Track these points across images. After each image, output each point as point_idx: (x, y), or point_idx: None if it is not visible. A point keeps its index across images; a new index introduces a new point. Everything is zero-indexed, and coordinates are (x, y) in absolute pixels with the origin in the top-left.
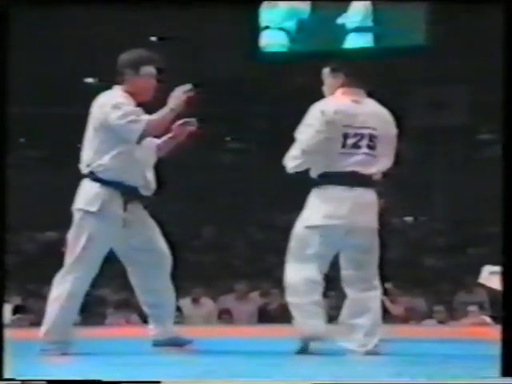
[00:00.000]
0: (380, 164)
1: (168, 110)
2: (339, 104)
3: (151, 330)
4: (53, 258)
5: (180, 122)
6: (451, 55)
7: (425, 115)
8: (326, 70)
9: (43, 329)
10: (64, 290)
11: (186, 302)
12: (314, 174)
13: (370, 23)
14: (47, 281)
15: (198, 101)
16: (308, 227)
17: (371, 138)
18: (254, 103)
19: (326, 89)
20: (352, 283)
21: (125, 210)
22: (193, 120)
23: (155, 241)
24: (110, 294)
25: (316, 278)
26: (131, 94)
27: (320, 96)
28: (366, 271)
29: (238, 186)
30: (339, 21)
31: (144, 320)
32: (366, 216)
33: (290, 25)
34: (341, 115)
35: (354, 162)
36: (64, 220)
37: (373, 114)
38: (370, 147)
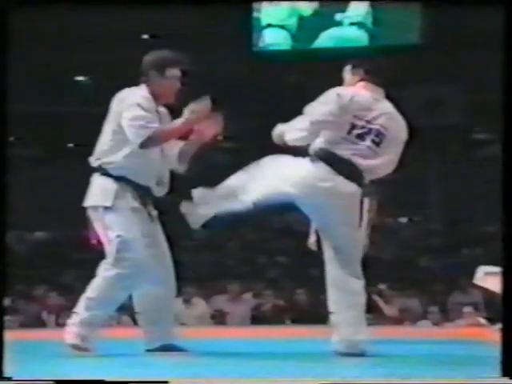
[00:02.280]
0: (379, 162)
1: (181, 122)
2: (357, 94)
3: (144, 336)
4: (42, 259)
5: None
6: (448, 54)
7: (420, 114)
8: (346, 67)
9: (75, 329)
10: (106, 287)
11: (177, 303)
12: (311, 146)
13: (367, 22)
14: (36, 282)
15: (215, 115)
16: (281, 191)
17: (378, 134)
18: (253, 102)
19: (345, 86)
20: (329, 280)
21: (144, 205)
22: (207, 99)
23: (163, 244)
24: None
25: (244, 200)
26: (155, 95)
27: (318, 95)
28: (341, 269)
29: None
30: (337, 19)
31: (135, 322)
32: (340, 209)
33: (291, 23)
34: (355, 105)
35: (354, 151)
36: (54, 220)
37: (387, 114)
38: (375, 142)
